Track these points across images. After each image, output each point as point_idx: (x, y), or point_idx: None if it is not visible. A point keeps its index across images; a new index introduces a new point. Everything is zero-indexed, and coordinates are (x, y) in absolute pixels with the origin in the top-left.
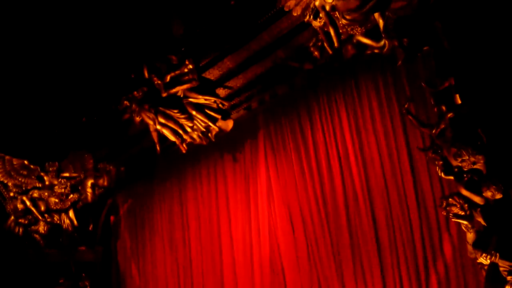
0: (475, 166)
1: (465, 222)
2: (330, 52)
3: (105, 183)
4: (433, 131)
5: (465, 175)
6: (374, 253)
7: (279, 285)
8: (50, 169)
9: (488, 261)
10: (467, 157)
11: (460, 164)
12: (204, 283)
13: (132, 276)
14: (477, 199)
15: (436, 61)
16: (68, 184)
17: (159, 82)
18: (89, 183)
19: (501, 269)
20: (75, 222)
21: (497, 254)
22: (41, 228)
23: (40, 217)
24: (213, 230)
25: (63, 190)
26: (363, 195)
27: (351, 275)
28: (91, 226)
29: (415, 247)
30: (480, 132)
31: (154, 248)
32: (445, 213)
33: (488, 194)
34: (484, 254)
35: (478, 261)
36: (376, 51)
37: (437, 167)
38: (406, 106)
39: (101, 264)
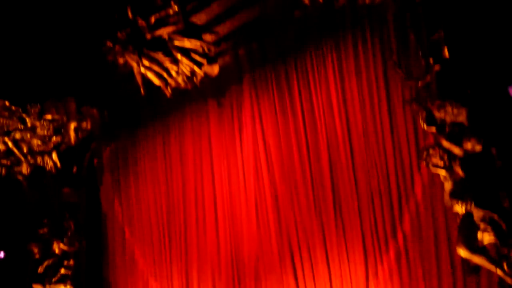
0: (457, 119)
1: (443, 173)
2: (321, 0)
3: (88, 127)
4: (419, 83)
5: (447, 127)
6: (353, 197)
7: (264, 230)
8: (32, 110)
9: (463, 209)
10: (451, 110)
11: (443, 116)
12: (186, 224)
13: (115, 216)
14: (457, 150)
15: (425, 13)
16: (51, 126)
17: (143, 23)
18: (72, 126)
19: (475, 217)
20: (59, 164)
21: (472, 203)
22: (24, 169)
23: (22, 159)
24: (196, 174)
25: (45, 132)
26: (344, 143)
27: (331, 218)
28: (75, 168)
29: (390, 190)
30: (465, 85)
31: (137, 190)
32: (424, 164)
33: (468, 146)
34: (460, 203)
35: (453, 210)
36: (367, 1)
37: (420, 119)
38: (394, 57)
39: (85, 205)
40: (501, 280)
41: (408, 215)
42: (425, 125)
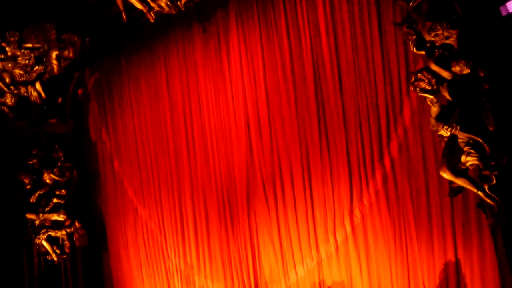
0: (447, 41)
1: (430, 97)
2: None
3: (71, 55)
4: (410, 4)
5: (436, 50)
6: (340, 121)
7: (252, 152)
8: (11, 39)
9: (448, 133)
10: (441, 31)
11: (433, 39)
12: (176, 151)
13: (104, 142)
14: (445, 74)
15: None
16: (32, 55)
17: None
18: (54, 54)
19: (459, 140)
20: (43, 94)
21: (458, 126)
22: (8, 100)
23: (6, 89)
24: (184, 100)
25: (27, 61)
26: (331, 65)
27: (316, 142)
28: (60, 99)
29: (379, 115)
30: (456, 6)
31: (123, 119)
32: (412, 88)
33: (457, 69)
34: (445, 127)
35: (439, 133)
36: None
37: (410, 42)
38: None
39: (73, 136)
40: (481, 201)
41: (396, 140)
42: (414, 48)
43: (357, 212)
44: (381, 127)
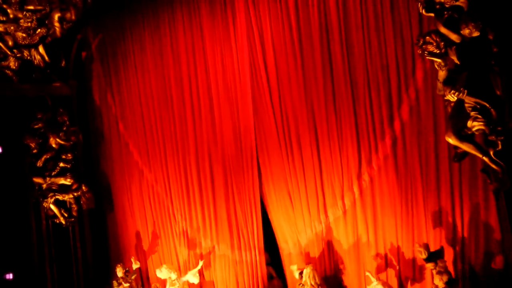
0: (456, 3)
1: (438, 60)
2: None
3: (73, 17)
4: None
5: (445, 12)
6: (347, 82)
7: (258, 114)
8: (13, 0)
9: (455, 97)
10: None
11: (442, 0)
12: (181, 114)
13: (108, 105)
14: (454, 36)
15: None
16: (34, 17)
17: None
18: (56, 16)
19: (466, 105)
20: (46, 57)
21: (465, 90)
22: (12, 63)
23: (9, 52)
24: (189, 63)
25: (29, 24)
26: (339, 27)
27: (322, 103)
28: (63, 61)
29: (389, 75)
30: None
31: (128, 81)
32: (420, 51)
33: (466, 31)
34: (452, 91)
35: (445, 98)
36: None
37: (419, 4)
38: None
39: (77, 98)
40: (486, 166)
41: (407, 102)
42: (423, 11)
43: (365, 176)
44: (392, 90)
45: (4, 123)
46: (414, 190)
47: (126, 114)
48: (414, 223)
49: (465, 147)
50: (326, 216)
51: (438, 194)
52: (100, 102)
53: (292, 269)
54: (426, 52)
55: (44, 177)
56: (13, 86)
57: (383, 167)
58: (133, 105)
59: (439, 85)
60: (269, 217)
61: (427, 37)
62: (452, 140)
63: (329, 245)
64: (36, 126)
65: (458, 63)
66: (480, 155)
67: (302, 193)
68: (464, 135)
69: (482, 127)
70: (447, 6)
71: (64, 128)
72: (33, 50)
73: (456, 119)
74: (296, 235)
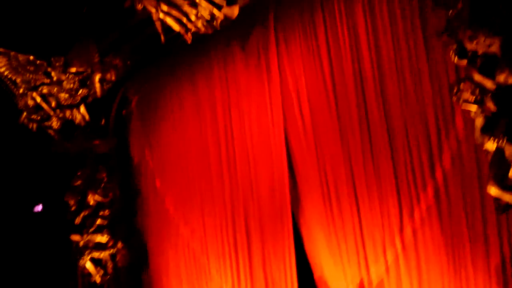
0: (490, 49)
1: (474, 108)
2: None
3: (113, 78)
4: (450, 12)
5: (478, 59)
6: (384, 134)
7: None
8: (57, 64)
9: (495, 145)
10: (483, 39)
11: (475, 47)
12: (217, 166)
13: (146, 161)
14: (489, 83)
15: None
16: (76, 79)
17: None
18: (97, 78)
19: (506, 153)
20: (87, 116)
21: (505, 138)
22: (54, 123)
23: (52, 113)
24: (225, 120)
25: (72, 85)
26: (373, 76)
27: (360, 159)
28: (103, 120)
29: (427, 122)
30: (499, 12)
31: (167, 138)
32: (455, 99)
33: (501, 78)
34: (491, 139)
35: (484, 147)
36: None
37: (451, 51)
38: None
39: (116, 155)
40: None
41: (449, 151)
42: (456, 58)
43: (407, 229)
44: (431, 138)
45: (46, 180)
46: (461, 244)
47: (163, 170)
48: (462, 280)
49: (508, 198)
50: (368, 273)
51: (486, 249)
52: (138, 159)
53: None
54: (461, 100)
55: (81, 234)
56: (55, 142)
57: (427, 219)
58: (170, 161)
59: (477, 133)
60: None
61: (462, 84)
62: (494, 191)
63: None
64: (76, 184)
65: (495, 110)
66: None
67: (343, 249)
68: (506, 185)
69: None
70: (479, 53)
71: (102, 185)
72: (75, 110)
73: (497, 168)
74: None
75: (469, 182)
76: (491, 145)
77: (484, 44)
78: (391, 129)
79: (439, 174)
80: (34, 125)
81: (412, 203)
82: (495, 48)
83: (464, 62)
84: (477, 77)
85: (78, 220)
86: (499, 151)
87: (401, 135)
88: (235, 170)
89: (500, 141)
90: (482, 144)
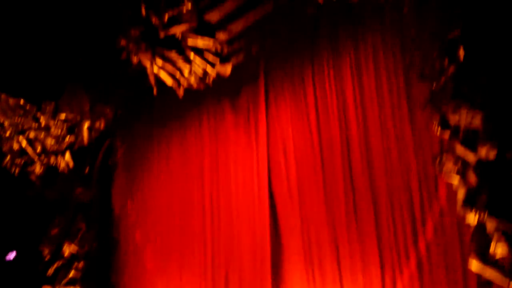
0: (472, 123)
1: (457, 180)
2: None
3: (102, 127)
4: (434, 84)
5: (461, 132)
6: (369, 202)
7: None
8: (47, 109)
9: (476, 219)
10: (465, 113)
11: (457, 120)
12: (200, 225)
13: (127, 213)
14: (471, 156)
15: (442, 10)
16: (65, 126)
17: (157, 21)
18: (86, 125)
19: (488, 227)
20: (71, 164)
21: (486, 212)
22: (37, 169)
23: (36, 158)
24: (212, 177)
25: (59, 131)
26: (359, 145)
27: (343, 223)
28: (88, 168)
29: (411, 193)
30: (481, 87)
31: (151, 191)
32: (438, 170)
33: (483, 152)
34: (472, 212)
35: (466, 221)
36: None
37: (434, 123)
38: (410, 56)
39: (98, 205)
40: None
41: (431, 221)
42: (439, 130)
43: None
44: (415, 208)
45: (22, 228)
46: None
47: (145, 222)
48: None
49: (490, 273)
50: None
51: None
52: (120, 210)
53: None
54: (444, 171)
55: (53, 286)
56: (35, 191)
57: None
58: (152, 213)
59: (459, 206)
60: None
61: (444, 156)
62: (475, 266)
63: None
64: (52, 232)
65: (477, 183)
66: (506, 284)
67: None
68: (487, 261)
69: (506, 253)
70: (462, 126)
71: (80, 235)
72: (59, 156)
73: (479, 243)
74: None
75: (451, 253)
76: (472, 219)
77: (466, 118)
78: (375, 198)
79: (422, 245)
80: (17, 170)
81: (395, 273)
82: (477, 121)
83: (447, 134)
84: (459, 149)
85: (51, 271)
86: (481, 225)
87: (386, 205)
88: (218, 229)
89: (482, 215)
90: (464, 217)
